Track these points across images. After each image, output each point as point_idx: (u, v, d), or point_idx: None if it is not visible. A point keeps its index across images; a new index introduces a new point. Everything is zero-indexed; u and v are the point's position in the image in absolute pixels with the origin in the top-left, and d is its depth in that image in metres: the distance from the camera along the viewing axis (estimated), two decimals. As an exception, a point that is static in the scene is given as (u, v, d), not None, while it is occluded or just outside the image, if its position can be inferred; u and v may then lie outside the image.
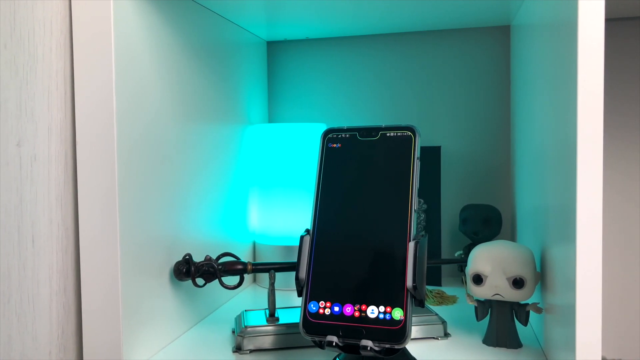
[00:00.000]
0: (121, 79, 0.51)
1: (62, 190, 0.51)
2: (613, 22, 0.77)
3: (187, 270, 0.60)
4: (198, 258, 0.65)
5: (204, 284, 0.61)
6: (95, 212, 0.51)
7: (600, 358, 0.40)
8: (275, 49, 0.93)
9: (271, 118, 0.94)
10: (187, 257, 0.60)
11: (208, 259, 0.61)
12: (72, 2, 0.51)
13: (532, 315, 0.60)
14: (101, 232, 0.51)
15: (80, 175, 0.51)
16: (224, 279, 0.65)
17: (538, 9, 0.58)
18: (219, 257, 0.62)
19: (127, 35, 0.52)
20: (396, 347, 0.42)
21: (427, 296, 0.74)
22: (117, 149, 0.50)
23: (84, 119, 0.51)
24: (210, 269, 0.60)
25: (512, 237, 0.80)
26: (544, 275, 0.54)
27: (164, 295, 0.59)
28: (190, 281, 0.62)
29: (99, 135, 0.51)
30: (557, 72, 0.48)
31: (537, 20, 0.58)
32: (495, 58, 0.85)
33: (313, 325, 0.45)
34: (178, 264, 0.60)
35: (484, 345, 0.57)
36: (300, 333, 0.45)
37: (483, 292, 0.55)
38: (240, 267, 0.62)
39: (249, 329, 0.57)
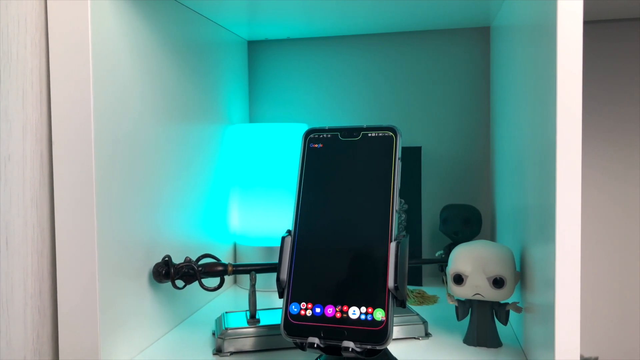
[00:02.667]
0: (99, 77, 0.50)
1: (37, 191, 0.50)
2: (593, 24, 0.79)
3: (167, 272, 0.59)
4: (178, 259, 0.64)
5: (184, 286, 0.61)
6: (71, 213, 0.50)
7: (578, 356, 0.41)
8: (256, 49, 0.92)
9: (252, 118, 0.93)
10: (167, 258, 0.60)
11: (188, 261, 0.60)
12: (48, -2, 0.50)
13: (512, 314, 0.61)
14: (78, 233, 0.50)
15: (56, 176, 0.50)
16: (204, 280, 0.64)
17: (517, 11, 0.58)
18: (199, 259, 0.62)
19: (105, 32, 0.51)
20: (378, 347, 0.42)
21: (408, 296, 0.74)
22: (95, 148, 0.50)
23: (60, 118, 0.50)
24: (190, 271, 0.60)
25: (492, 237, 0.81)
26: (524, 274, 0.55)
27: (142, 297, 0.58)
28: (169, 283, 0.62)
29: (75, 135, 0.50)
30: (536, 73, 0.48)
31: (517, 22, 0.59)
32: (475, 59, 0.85)
33: (294, 327, 0.44)
34: (157, 265, 0.59)
35: (465, 345, 0.57)
36: (281, 335, 0.45)
37: (463, 291, 0.55)
38: (220, 268, 0.61)
39: (229, 331, 0.56)
